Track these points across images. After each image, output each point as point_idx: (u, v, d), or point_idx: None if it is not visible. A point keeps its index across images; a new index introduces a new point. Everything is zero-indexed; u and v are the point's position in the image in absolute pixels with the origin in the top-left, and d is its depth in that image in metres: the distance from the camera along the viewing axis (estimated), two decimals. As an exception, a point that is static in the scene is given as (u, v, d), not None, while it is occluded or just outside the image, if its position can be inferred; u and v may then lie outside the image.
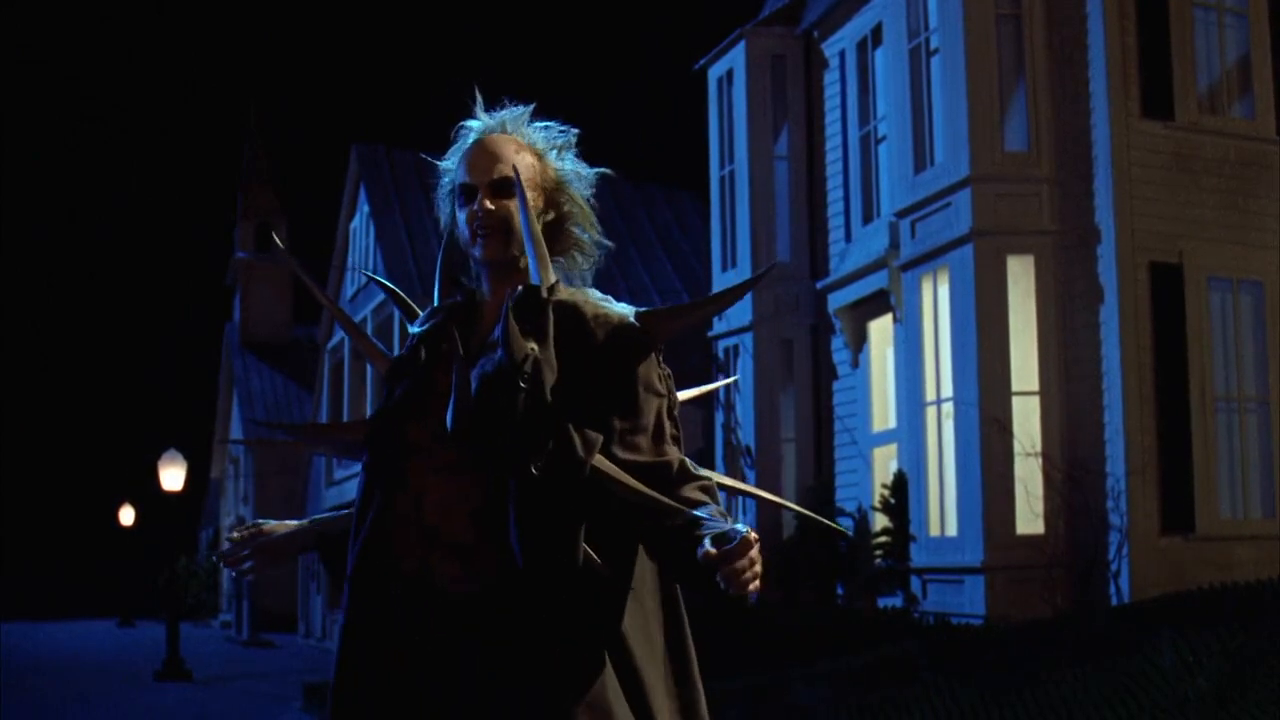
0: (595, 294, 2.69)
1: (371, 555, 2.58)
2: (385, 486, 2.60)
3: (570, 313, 2.60)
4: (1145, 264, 11.80)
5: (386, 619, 2.56)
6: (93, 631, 39.81)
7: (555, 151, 2.75)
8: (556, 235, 2.71)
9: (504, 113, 2.76)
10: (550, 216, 2.71)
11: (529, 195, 2.66)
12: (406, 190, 27.22)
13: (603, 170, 2.79)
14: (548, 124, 2.77)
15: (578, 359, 2.56)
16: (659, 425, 2.59)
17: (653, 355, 2.60)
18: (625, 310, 2.65)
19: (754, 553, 2.33)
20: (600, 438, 2.51)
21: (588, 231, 2.74)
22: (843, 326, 15.12)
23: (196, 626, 41.53)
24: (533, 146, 2.73)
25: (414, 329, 2.78)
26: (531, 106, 2.77)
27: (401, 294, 3.00)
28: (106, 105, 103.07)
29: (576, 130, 2.78)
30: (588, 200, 2.75)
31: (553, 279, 2.63)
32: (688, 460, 2.61)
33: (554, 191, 2.71)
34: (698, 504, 2.50)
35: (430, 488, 2.56)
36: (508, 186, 2.66)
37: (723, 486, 2.82)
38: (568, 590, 2.46)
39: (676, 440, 2.62)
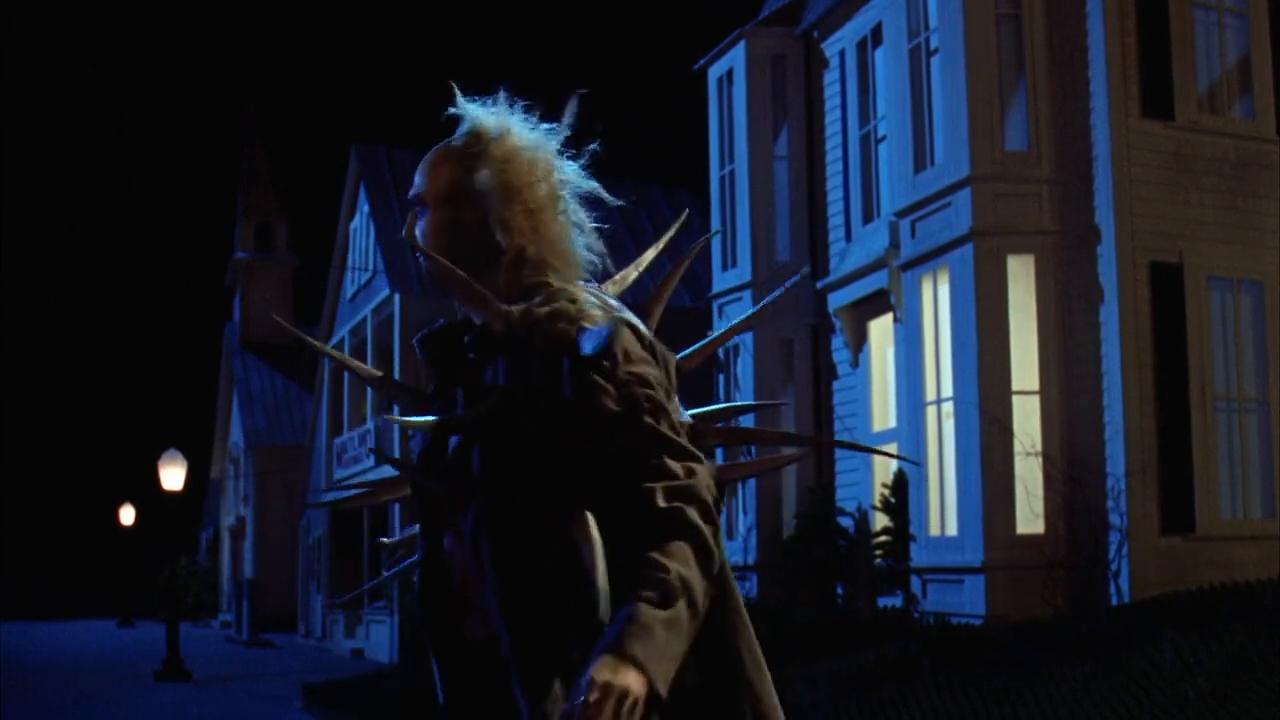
0: (582, 296, 2.41)
1: (427, 617, 2.50)
2: (427, 545, 2.49)
3: (521, 343, 2.36)
4: (1145, 264, 11.79)
5: (458, 681, 2.46)
6: (93, 631, 39.82)
7: (528, 155, 2.50)
8: (522, 241, 2.46)
9: (481, 111, 2.55)
10: (501, 225, 2.46)
11: (441, 212, 2.51)
12: (406, 190, 27.13)
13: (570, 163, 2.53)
14: (526, 121, 2.53)
15: (534, 392, 2.33)
16: (636, 446, 2.26)
17: (606, 379, 2.26)
18: (610, 315, 2.37)
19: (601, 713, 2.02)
20: (574, 483, 2.30)
21: (560, 234, 2.49)
22: (843, 326, 15.12)
23: (196, 626, 41.53)
24: (479, 153, 2.51)
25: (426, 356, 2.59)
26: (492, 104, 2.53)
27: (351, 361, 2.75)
28: (106, 105, 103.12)
29: (562, 126, 2.54)
30: (563, 198, 2.50)
31: (497, 310, 2.38)
32: (677, 492, 2.21)
33: (504, 197, 2.47)
34: (644, 581, 2.12)
35: (454, 547, 2.44)
36: (419, 202, 2.58)
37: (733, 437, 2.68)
38: (563, 646, 2.26)
39: (660, 441, 2.26)
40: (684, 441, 2.28)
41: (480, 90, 2.62)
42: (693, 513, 2.19)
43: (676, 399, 2.46)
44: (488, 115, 2.54)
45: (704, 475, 2.26)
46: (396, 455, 2.64)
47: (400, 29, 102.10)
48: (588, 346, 2.29)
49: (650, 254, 2.71)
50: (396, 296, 24.54)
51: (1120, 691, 8.02)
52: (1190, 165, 12.07)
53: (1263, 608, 9.02)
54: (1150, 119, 11.97)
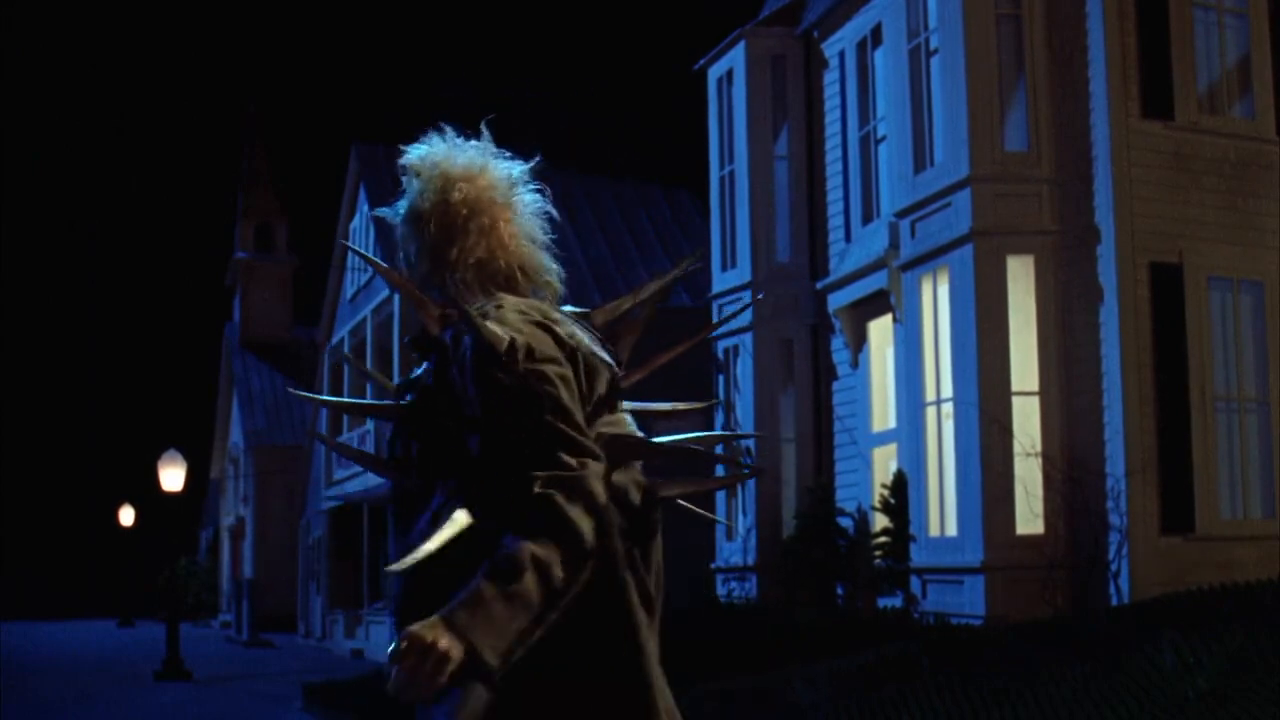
0: (510, 303, 2.50)
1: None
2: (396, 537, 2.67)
3: (450, 346, 2.49)
4: (1145, 264, 11.79)
5: None
6: (93, 631, 39.80)
7: (426, 178, 2.63)
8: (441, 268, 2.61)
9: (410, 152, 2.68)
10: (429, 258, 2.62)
11: (396, 254, 2.72)
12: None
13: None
14: (434, 141, 2.66)
15: (453, 389, 2.46)
16: (529, 438, 2.33)
17: (504, 374, 2.36)
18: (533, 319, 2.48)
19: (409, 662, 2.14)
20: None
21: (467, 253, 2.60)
22: (843, 326, 15.11)
23: (196, 626, 41.54)
24: (402, 194, 2.66)
25: None
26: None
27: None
28: (106, 105, 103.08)
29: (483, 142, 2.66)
30: (466, 214, 2.60)
31: (431, 314, 2.54)
32: (557, 481, 2.27)
33: (418, 224, 2.63)
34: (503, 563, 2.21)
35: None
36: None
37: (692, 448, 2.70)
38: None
39: (554, 434, 2.32)
40: (580, 437, 2.34)
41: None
42: (567, 501, 2.25)
43: (619, 411, 2.56)
44: (409, 155, 2.66)
45: (598, 471, 2.32)
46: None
47: (401, 29, 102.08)
48: (479, 344, 2.38)
49: (652, 287, 2.76)
50: (396, 297, 24.54)
51: (1120, 691, 8.01)
52: (1190, 165, 12.07)
53: (1263, 608, 9.02)
54: (1150, 119, 11.97)
